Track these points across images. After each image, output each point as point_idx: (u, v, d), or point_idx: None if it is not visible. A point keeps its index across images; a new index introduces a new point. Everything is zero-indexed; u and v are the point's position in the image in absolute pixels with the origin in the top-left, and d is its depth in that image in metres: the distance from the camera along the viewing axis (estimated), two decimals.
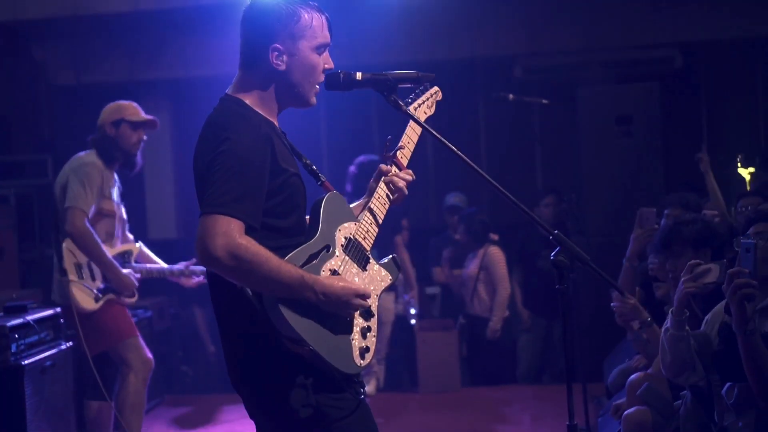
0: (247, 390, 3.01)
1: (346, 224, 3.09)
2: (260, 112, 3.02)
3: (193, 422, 7.29)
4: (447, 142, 3.12)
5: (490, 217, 8.67)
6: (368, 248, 3.11)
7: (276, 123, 3.07)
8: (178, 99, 10.35)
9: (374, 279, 3.13)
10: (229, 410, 7.45)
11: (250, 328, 2.91)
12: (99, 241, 5.58)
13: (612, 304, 5.04)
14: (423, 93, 3.45)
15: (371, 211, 3.18)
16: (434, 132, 3.16)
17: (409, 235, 8.38)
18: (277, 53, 2.99)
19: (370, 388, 7.94)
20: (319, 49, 3.05)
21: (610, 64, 10.25)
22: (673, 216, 5.37)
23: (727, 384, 4.01)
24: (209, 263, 2.79)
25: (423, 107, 3.43)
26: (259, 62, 3.01)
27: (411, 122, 3.33)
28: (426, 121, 3.40)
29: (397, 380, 8.36)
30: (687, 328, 3.99)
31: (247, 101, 3.01)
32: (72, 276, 5.58)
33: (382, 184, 3.23)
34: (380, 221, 3.19)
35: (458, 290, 8.64)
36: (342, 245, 3.03)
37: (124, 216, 5.93)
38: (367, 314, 3.04)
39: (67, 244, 5.60)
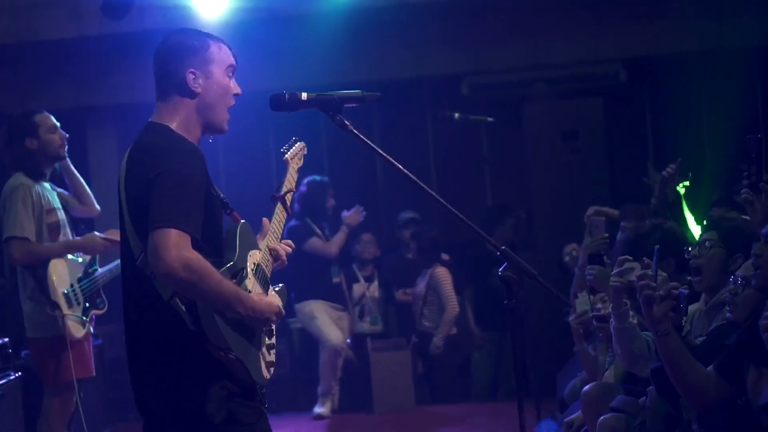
0: (163, 401, 3.19)
1: (254, 251, 3.36)
2: (186, 137, 3.25)
3: None
4: (396, 163, 3.23)
5: (441, 236, 8.71)
6: (269, 275, 3.40)
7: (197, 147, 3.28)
8: (124, 124, 10.28)
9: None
10: None
11: (173, 339, 3.13)
12: (43, 250, 5.46)
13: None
14: (293, 146, 3.76)
15: (269, 249, 3.46)
16: (385, 154, 3.26)
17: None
18: (193, 76, 3.27)
19: (325, 409, 7.92)
20: (229, 70, 3.35)
21: (555, 80, 10.34)
22: (630, 228, 5.44)
23: None
24: (164, 274, 2.99)
25: (295, 159, 3.75)
26: (178, 88, 3.28)
27: (290, 168, 3.68)
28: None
29: (352, 401, 8.34)
30: (632, 320, 4.06)
31: (173, 127, 3.26)
32: (65, 309, 5.45)
33: (267, 246, 3.46)
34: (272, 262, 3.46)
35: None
36: (252, 270, 3.29)
37: (70, 214, 5.78)
38: (270, 333, 3.35)
39: (50, 272, 5.46)
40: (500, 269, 3.26)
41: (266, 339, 3.32)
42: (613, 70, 10.13)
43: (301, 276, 7.65)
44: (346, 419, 7.89)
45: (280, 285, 3.53)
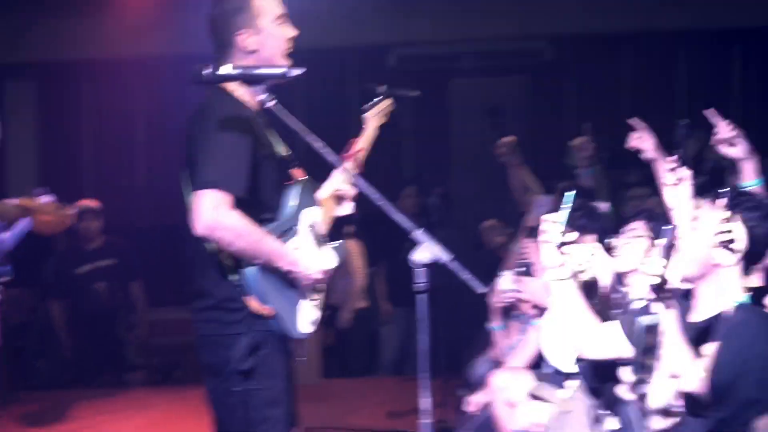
0: (199, 345, 3.33)
1: (311, 209, 3.48)
2: (243, 95, 3.32)
3: (47, 419, 7.01)
4: (304, 131, 3.15)
5: (355, 208, 8.56)
6: (325, 232, 3.55)
7: (256, 105, 3.31)
8: (44, 82, 10.00)
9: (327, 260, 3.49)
10: (83, 406, 7.20)
11: (216, 287, 3.26)
12: None
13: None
14: (376, 103, 4.10)
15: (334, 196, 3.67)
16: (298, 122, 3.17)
17: None
18: (244, 37, 3.36)
19: None
20: (279, 19, 3.41)
21: (482, 54, 10.29)
22: None
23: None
24: (202, 232, 3.12)
25: (378, 116, 4.07)
26: (233, 52, 3.36)
27: (369, 125, 3.94)
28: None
29: None
30: None
31: (230, 88, 3.30)
32: None
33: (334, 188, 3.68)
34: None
35: None
36: (306, 228, 3.42)
37: None
38: (317, 290, 3.45)
39: None
40: (411, 252, 3.18)
41: (312, 295, 3.42)
42: (540, 47, 10.12)
43: None
44: None
45: (339, 242, 3.62)
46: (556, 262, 3.48)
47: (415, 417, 6.80)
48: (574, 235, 3.62)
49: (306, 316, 3.38)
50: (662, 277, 3.02)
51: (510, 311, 5.55)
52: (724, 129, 4.06)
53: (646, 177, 7.82)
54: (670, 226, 3.12)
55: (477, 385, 6.00)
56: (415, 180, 8.92)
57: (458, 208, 7.98)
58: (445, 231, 7.94)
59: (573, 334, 3.59)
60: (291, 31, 3.45)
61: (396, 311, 8.54)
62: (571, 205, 3.56)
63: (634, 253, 4.14)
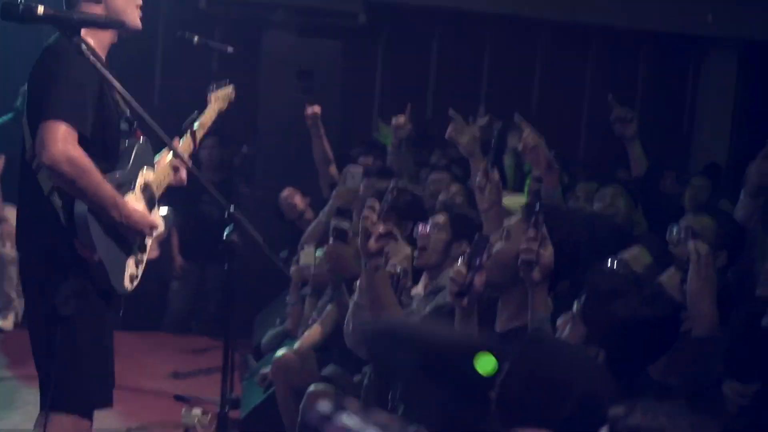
0: (27, 288, 3.46)
1: (148, 170, 3.53)
2: (93, 45, 3.32)
3: None
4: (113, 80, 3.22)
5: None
6: (157, 196, 3.59)
7: (104, 56, 3.41)
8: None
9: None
10: None
11: (46, 231, 3.31)
12: None
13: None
14: (221, 87, 4.24)
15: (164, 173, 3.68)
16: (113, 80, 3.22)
17: None
18: None
19: (7, 322, 7.41)
20: None
21: (297, 10, 10.15)
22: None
23: None
24: (48, 165, 3.14)
25: (219, 100, 4.14)
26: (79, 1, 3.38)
27: (211, 106, 4.01)
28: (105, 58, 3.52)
29: None
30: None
31: (81, 34, 3.22)
32: None
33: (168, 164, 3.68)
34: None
35: None
36: (141, 186, 3.47)
37: None
38: (144, 248, 3.51)
39: None
40: (225, 233, 3.09)
41: (138, 253, 3.47)
42: (354, 10, 10.07)
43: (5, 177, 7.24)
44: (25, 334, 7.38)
45: (167, 208, 3.69)
46: (373, 250, 3.44)
47: (199, 378, 6.77)
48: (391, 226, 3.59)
49: (128, 272, 3.43)
50: (464, 282, 3.01)
51: (307, 285, 5.51)
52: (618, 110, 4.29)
53: (451, 161, 8.00)
54: (484, 239, 3.10)
55: (265, 353, 5.98)
56: (217, 131, 8.70)
57: (262, 169, 7.83)
58: (243, 189, 7.84)
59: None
60: None
61: (188, 265, 8.30)
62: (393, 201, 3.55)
63: (436, 246, 4.16)
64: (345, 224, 4.57)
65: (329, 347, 5.07)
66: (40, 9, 3.01)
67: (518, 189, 5.99)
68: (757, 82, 10.63)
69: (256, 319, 6.93)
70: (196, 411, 5.71)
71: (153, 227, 3.43)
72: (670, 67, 11.05)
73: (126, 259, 3.42)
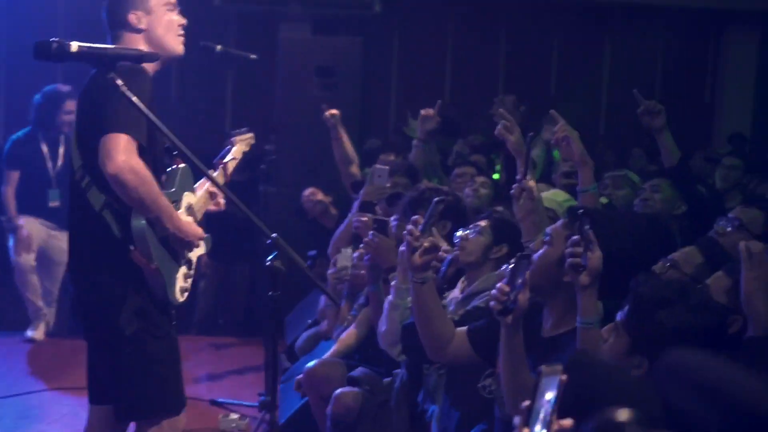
0: (85, 307, 3.53)
1: (190, 193, 3.73)
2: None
3: None
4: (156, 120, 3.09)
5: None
6: (199, 218, 3.74)
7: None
8: None
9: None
10: None
11: (101, 247, 3.44)
12: None
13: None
14: (242, 133, 4.21)
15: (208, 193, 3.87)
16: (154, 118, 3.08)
17: None
18: (136, 17, 3.58)
19: (38, 333, 7.43)
20: (168, 6, 3.65)
21: (309, 1, 10.11)
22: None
23: (431, 368, 4.01)
24: (112, 175, 3.27)
25: (243, 142, 4.15)
26: (126, 31, 3.59)
27: (237, 146, 4.08)
28: None
29: (68, 325, 7.85)
30: (409, 299, 3.90)
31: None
32: None
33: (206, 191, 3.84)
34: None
35: None
36: (186, 207, 3.65)
37: None
38: (190, 264, 3.65)
39: None
40: (268, 258, 3.06)
41: (185, 267, 3.61)
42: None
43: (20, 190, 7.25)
44: (60, 342, 7.42)
45: (206, 235, 3.74)
46: (419, 265, 3.41)
47: (233, 380, 6.76)
48: (435, 239, 3.55)
49: (179, 285, 3.56)
50: (506, 300, 2.97)
51: (345, 287, 5.47)
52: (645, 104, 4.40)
53: (473, 149, 7.96)
54: (525, 257, 3.05)
55: (300, 356, 5.97)
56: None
57: (284, 169, 7.79)
58: (267, 188, 7.82)
59: (422, 337, 3.55)
60: (180, 19, 3.69)
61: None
62: (436, 214, 3.50)
63: (476, 247, 4.12)
64: (385, 217, 4.56)
65: (364, 349, 5.05)
66: (74, 46, 2.97)
67: (546, 180, 5.94)
68: None
69: (286, 319, 6.92)
70: (233, 416, 5.73)
71: (201, 238, 3.60)
72: (690, 41, 10.97)
73: (177, 271, 3.57)
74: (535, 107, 8.10)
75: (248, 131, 4.25)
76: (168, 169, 3.68)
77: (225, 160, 4.02)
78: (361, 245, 4.68)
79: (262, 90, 9.31)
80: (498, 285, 2.99)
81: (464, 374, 3.76)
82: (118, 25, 3.61)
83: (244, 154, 4.12)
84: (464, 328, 3.51)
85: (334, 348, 5.15)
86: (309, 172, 7.53)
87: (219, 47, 4.21)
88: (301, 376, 5.29)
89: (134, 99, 3.06)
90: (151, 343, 3.49)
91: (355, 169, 6.45)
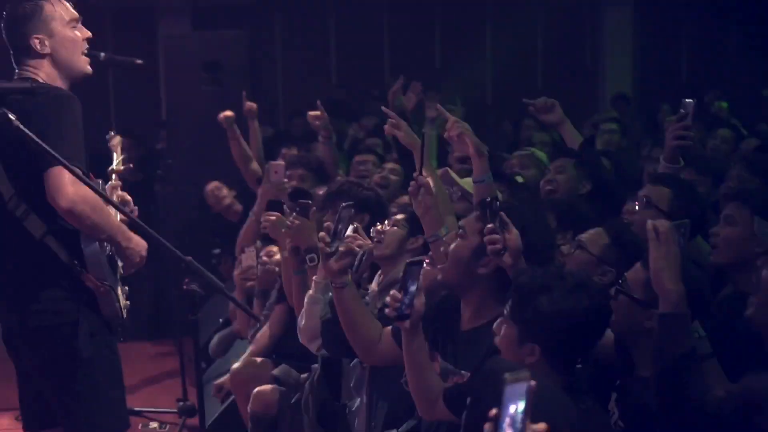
0: (31, 337, 3.41)
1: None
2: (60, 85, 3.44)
3: None
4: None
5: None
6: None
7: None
8: None
9: None
10: None
11: (44, 275, 3.37)
12: None
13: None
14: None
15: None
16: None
17: None
18: (38, 41, 3.43)
19: None
20: (72, 23, 3.50)
21: None
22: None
23: (355, 361, 4.03)
24: (66, 209, 3.23)
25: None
26: (31, 54, 3.45)
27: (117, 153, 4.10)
28: None
29: None
30: (330, 294, 3.90)
31: (40, 79, 3.41)
32: None
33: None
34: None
35: None
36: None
37: None
38: (122, 280, 3.57)
39: None
40: (185, 283, 3.06)
41: (121, 282, 3.54)
42: None
43: None
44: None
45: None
46: (336, 269, 3.42)
47: (150, 387, 6.66)
48: (351, 241, 3.57)
49: (123, 302, 3.52)
50: (399, 306, 3.02)
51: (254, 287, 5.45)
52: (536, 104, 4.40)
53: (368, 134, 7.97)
54: (416, 263, 3.10)
55: (214, 357, 5.93)
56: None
57: (176, 164, 7.68)
58: (164, 187, 7.72)
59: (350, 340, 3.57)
60: (85, 33, 3.55)
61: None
62: (346, 218, 3.51)
63: (392, 240, 4.14)
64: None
65: (282, 345, 5.05)
66: None
67: (442, 163, 5.98)
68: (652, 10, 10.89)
69: (199, 316, 6.81)
70: (153, 425, 5.68)
71: (146, 251, 3.52)
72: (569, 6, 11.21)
73: (119, 288, 3.52)
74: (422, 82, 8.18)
75: (113, 136, 4.23)
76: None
77: (113, 168, 3.98)
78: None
79: (144, 88, 9.17)
80: (391, 292, 3.05)
81: (389, 367, 3.79)
82: (21, 51, 3.49)
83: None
84: (389, 328, 3.50)
85: (250, 348, 5.14)
86: (206, 167, 7.44)
87: (103, 55, 4.10)
88: (221, 379, 5.29)
89: (24, 130, 3.14)
90: (103, 363, 3.45)
91: (255, 165, 6.42)
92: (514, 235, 3.04)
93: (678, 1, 10.95)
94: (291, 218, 4.22)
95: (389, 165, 5.84)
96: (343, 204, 3.59)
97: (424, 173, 3.90)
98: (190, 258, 3.11)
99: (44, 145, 3.13)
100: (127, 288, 3.60)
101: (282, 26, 10.69)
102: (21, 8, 3.46)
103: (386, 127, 4.31)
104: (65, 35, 3.48)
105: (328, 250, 3.41)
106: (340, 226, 3.47)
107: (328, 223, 3.56)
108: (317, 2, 10.71)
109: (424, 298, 3.02)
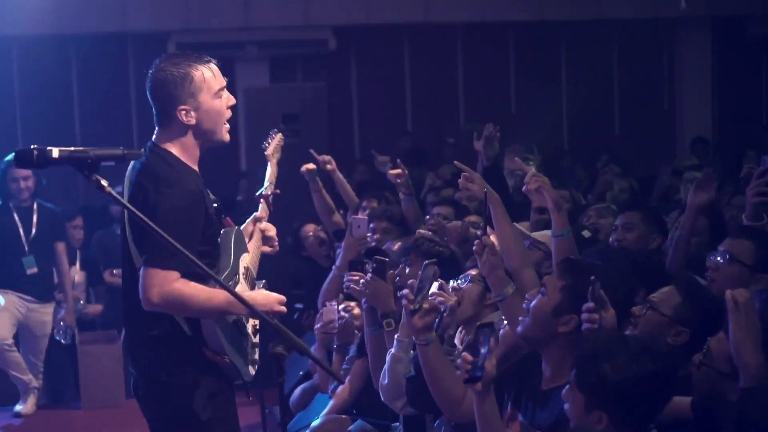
0: (157, 399, 3.46)
1: (245, 255, 3.64)
2: (186, 161, 3.42)
3: None
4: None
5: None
6: (255, 274, 3.70)
7: (197, 170, 3.47)
8: None
9: None
10: None
11: (169, 342, 3.38)
12: None
13: None
14: (272, 139, 4.28)
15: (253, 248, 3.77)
16: (129, 205, 3.14)
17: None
18: (185, 112, 3.39)
19: (28, 406, 7.36)
20: (219, 93, 3.44)
21: (266, 44, 10.18)
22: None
23: (438, 420, 4.02)
24: (149, 308, 3.27)
25: (275, 153, 4.22)
26: (174, 122, 3.41)
27: (271, 163, 4.12)
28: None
29: (58, 396, 7.81)
30: (412, 351, 3.86)
31: (174, 152, 3.40)
32: None
33: (257, 230, 3.79)
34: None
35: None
36: (243, 273, 3.58)
37: None
38: (255, 332, 3.59)
39: None
40: (271, 345, 3.08)
41: (251, 338, 3.55)
42: (324, 36, 10.14)
43: None
44: (51, 414, 7.40)
45: (263, 282, 3.71)
46: (420, 327, 3.44)
47: None
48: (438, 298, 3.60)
49: (251, 358, 3.54)
50: (471, 369, 3.02)
51: (334, 341, 5.47)
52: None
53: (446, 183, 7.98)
54: (486, 325, 3.12)
55: (295, 412, 5.95)
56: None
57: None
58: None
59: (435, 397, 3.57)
60: (230, 101, 3.49)
61: None
62: (429, 277, 3.54)
63: (469, 300, 4.15)
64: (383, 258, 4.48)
65: (360, 401, 5.06)
66: (55, 152, 2.87)
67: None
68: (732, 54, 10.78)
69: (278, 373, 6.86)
70: None
71: (279, 301, 3.46)
72: (645, 50, 11.15)
73: (248, 345, 3.52)
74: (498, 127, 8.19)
75: (275, 132, 4.29)
76: (222, 232, 3.56)
77: (263, 192, 3.97)
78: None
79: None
80: (462, 354, 3.06)
81: (467, 429, 3.78)
82: (164, 117, 3.43)
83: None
84: None
85: (331, 404, 5.15)
86: (287, 219, 7.50)
87: None
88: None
89: (117, 198, 2.99)
90: (222, 424, 3.46)
91: (337, 218, 6.47)
92: (610, 314, 3.04)
93: (757, 43, 10.84)
94: (366, 279, 4.23)
95: (471, 218, 5.78)
96: (427, 261, 3.61)
97: (488, 233, 3.91)
98: (276, 321, 3.12)
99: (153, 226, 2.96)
100: (256, 342, 3.58)
101: (359, 76, 10.82)
102: (171, 74, 3.38)
103: (460, 181, 4.33)
104: (212, 106, 3.41)
105: (411, 307, 3.43)
106: (423, 283, 3.49)
107: (411, 280, 3.56)
108: (393, 52, 10.83)
109: (495, 361, 3.03)
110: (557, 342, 3.21)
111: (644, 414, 2.73)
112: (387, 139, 9.50)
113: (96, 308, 8.25)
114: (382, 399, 4.17)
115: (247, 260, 3.65)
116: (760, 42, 10.80)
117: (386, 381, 4.05)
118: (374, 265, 4.23)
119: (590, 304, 3.06)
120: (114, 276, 8.18)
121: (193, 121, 3.39)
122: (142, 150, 3.35)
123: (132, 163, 3.40)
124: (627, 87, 11.08)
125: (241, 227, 3.79)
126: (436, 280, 3.86)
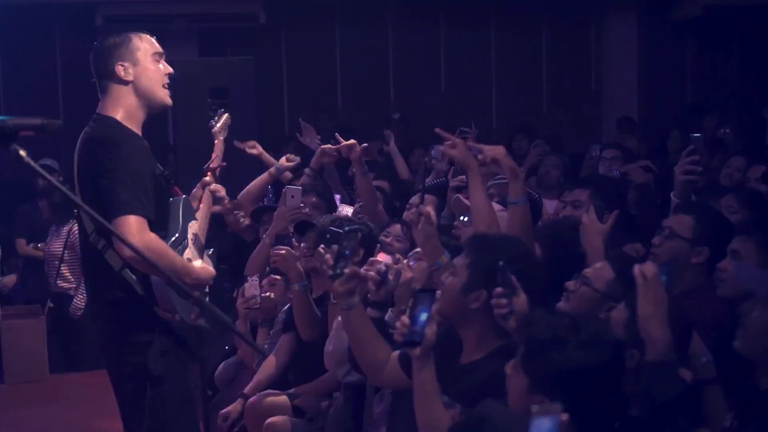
0: (113, 356, 3.70)
1: (193, 222, 3.81)
2: (131, 127, 3.63)
3: None
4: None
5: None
6: (204, 241, 3.86)
7: (139, 130, 3.69)
8: None
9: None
10: None
11: (123, 303, 3.58)
12: None
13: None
14: (220, 118, 4.37)
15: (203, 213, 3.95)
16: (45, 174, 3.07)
17: None
18: (122, 68, 3.63)
19: None
20: (155, 56, 3.72)
21: (195, 17, 10.06)
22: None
23: (381, 391, 4.04)
24: (130, 258, 3.40)
25: (222, 131, 4.32)
26: (114, 83, 3.65)
27: (218, 140, 4.23)
28: None
29: None
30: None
31: (118, 117, 3.62)
32: None
33: (207, 192, 3.97)
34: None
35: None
36: (191, 239, 3.75)
37: None
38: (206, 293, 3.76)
39: None
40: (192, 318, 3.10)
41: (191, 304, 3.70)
42: (254, 11, 10.05)
43: None
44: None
45: (211, 250, 3.92)
46: (341, 292, 3.45)
47: None
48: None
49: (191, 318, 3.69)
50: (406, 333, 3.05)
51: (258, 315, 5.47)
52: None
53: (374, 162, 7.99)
54: (426, 291, 3.14)
55: (219, 387, 5.93)
56: None
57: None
58: None
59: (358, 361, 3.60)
60: (167, 69, 3.75)
61: None
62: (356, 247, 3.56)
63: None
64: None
65: (286, 378, 5.06)
66: None
67: None
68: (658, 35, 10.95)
69: (205, 349, 6.82)
70: None
71: (213, 276, 3.76)
72: (573, 29, 11.26)
73: (190, 309, 3.68)
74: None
75: (223, 112, 4.42)
76: (170, 200, 3.74)
77: (210, 165, 4.11)
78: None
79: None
80: (401, 318, 3.08)
81: (408, 400, 3.80)
82: (105, 76, 3.67)
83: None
84: (396, 353, 3.52)
85: (255, 378, 5.14)
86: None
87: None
88: (227, 408, 5.26)
89: (37, 169, 2.99)
90: (171, 383, 3.63)
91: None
92: (521, 299, 3.07)
93: (682, 25, 11.01)
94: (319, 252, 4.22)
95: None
96: (347, 228, 3.65)
97: (471, 195, 3.94)
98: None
99: (76, 199, 3.23)
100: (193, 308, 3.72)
101: (288, 51, 10.76)
102: (110, 39, 3.69)
103: (441, 148, 4.35)
104: (148, 66, 3.67)
105: (330, 272, 3.44)
106: (344, 249, 3.49)
107: (334, 245, 3.55)
108: (323, 27, 10.79)
109: (435, 327, 3.06)
110: (473, 318, 3.26)
111: (587, 402, 2.67)
112: (315, 114, 9.46)
113: (11, 279, 8.19)
114: (326, 365, 4.23)
115: (195, 227, 3.81)
116: (685, 23, 10.97)
117: (331, 347, 4.11)
118: (328, 236, 4.19)
119: (499, 289, 3.10)
120: (36, 249, 8.12)
121: (130, 77, 3.63)
122: (58, 120, 3.20)
123: (80, 136, 3.64)
124: (555, 66, 11.20)
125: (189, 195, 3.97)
126: (361, 248, 3.90)
